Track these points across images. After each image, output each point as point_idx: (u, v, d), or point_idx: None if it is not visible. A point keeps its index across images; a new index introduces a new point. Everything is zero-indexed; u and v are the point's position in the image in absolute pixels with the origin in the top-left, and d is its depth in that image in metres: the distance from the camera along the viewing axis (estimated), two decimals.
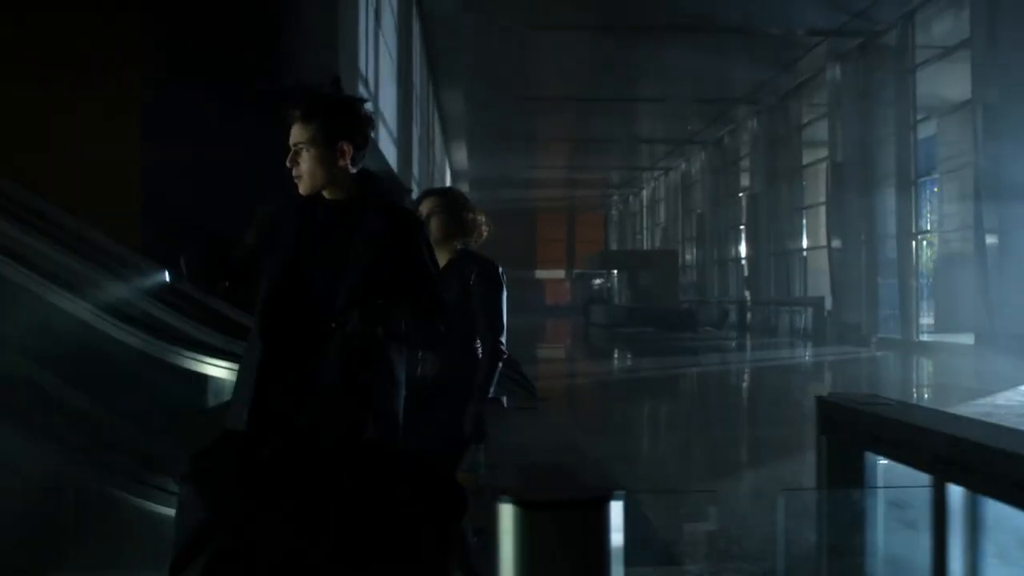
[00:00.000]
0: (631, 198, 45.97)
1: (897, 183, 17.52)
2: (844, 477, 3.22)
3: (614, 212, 50.10)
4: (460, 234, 3.64)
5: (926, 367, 15.13)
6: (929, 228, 19.31)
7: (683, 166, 34.82)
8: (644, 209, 43.22)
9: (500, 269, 3.68)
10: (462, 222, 3.65)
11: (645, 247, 41.64)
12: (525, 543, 1.60)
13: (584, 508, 1.63)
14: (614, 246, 47.55)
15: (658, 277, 30.31)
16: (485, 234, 3.76)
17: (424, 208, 3.63)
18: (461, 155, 31.90)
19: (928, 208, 18.80)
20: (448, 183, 29.15)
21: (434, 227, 3.57)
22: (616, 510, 1.63)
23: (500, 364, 3.58)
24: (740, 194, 28.95)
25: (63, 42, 6.97)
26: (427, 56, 20.18)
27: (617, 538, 1.63)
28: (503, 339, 3.61)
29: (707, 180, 31.24)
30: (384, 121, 12.33)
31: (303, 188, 2.44)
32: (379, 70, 12.07)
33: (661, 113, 27.17)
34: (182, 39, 7.09)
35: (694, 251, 33.21)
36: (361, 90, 9.66)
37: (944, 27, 16.96)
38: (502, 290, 3.65)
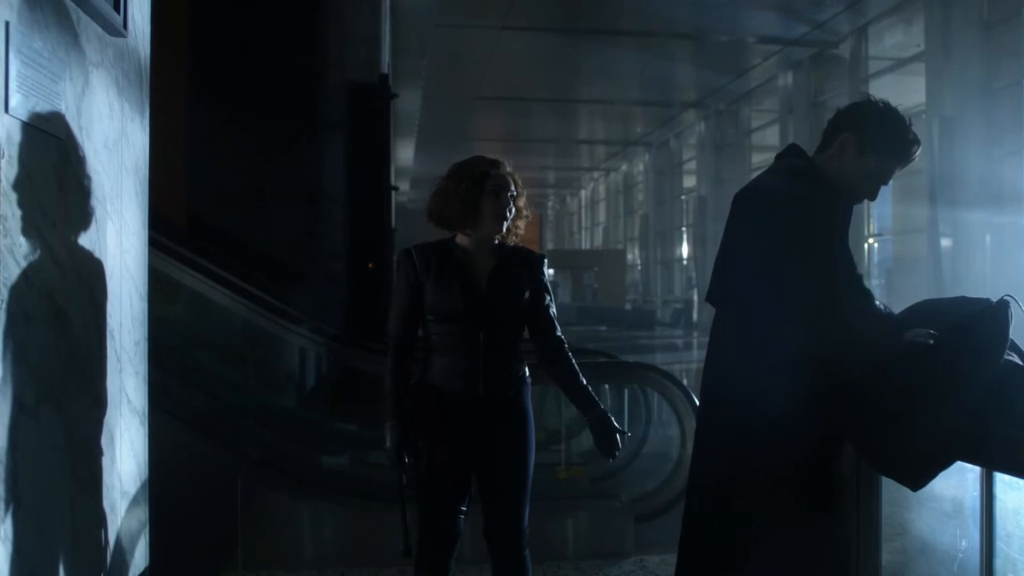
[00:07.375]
0: (568, 198, 46.45)
1: None
2: None
3: (550, 212, 50.55)
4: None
5: None
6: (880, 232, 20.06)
7: (625, 167, 35.38)
8: (583, 209, 43.73)
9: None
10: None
11: (583, 247, 42.13)
12: None
13: None
14: (550, 245, 47.97)
15: (604, 276, 30.82)
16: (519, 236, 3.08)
17: (498, 178, 2.90)
18: (407, 153, 31.74)
19: (877, 212, 19.54)
20: (392, 180, 28.88)
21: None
22: None
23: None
24: (683, 196, 29.60)
25: None
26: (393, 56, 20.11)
27: None
28: None
29: (651, 181, 31.84)
30: None
31: None
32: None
33: (604, 115, 27.54)
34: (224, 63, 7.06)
35: (636, 251, 33.80)
36: None
37: (895, 39, 17.75)
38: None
